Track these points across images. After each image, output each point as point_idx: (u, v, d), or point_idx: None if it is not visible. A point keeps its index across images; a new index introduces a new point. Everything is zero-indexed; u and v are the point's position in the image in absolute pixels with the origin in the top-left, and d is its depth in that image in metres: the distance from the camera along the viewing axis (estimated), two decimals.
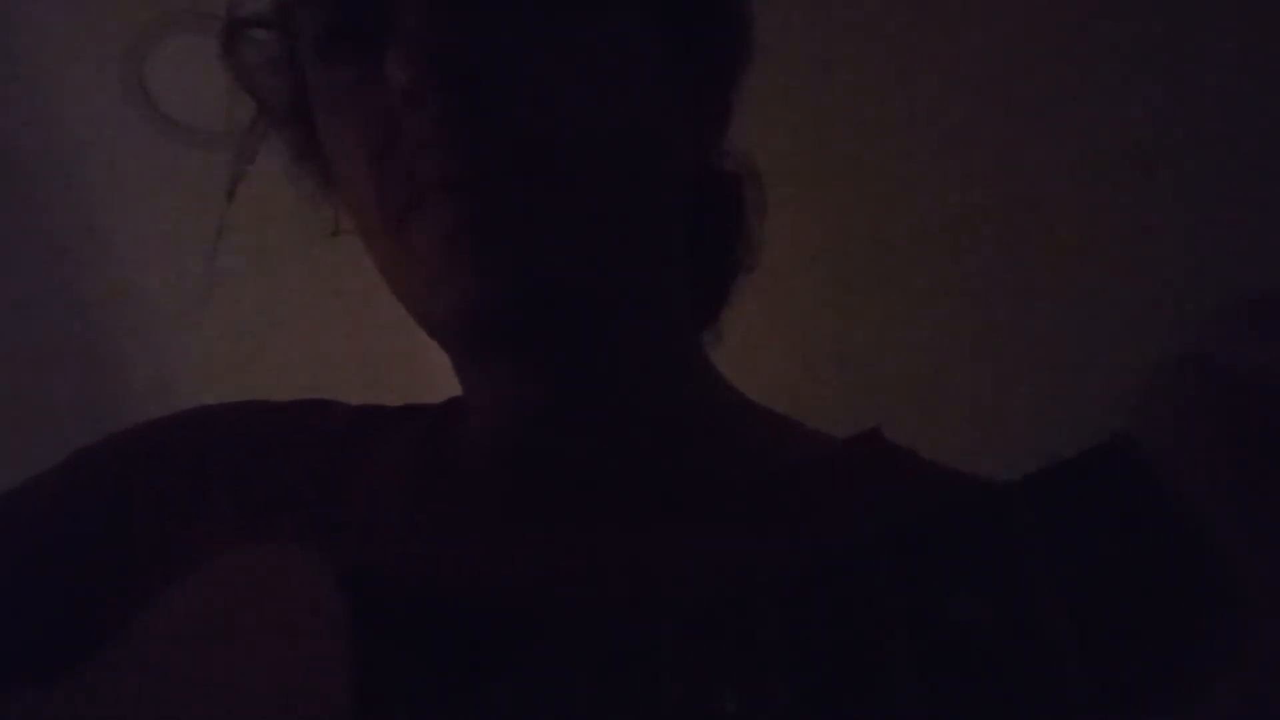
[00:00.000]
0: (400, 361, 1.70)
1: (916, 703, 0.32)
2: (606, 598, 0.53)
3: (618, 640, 0.39)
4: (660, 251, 0.62)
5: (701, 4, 0.63)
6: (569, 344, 0.59)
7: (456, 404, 0.67)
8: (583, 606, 0.52)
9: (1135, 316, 1.21)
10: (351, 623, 0.47)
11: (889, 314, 1.31)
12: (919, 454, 0.63)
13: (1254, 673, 0.29)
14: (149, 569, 0.59)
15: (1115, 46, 1.20)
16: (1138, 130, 1.20)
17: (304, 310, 1.70)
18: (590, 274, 0.57)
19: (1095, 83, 1.21)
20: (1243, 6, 1.15)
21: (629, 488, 0.60)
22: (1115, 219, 1.23)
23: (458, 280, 0.55)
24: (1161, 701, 0.30)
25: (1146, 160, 1.16)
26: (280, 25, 0.64)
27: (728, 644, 0.37)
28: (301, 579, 0.50)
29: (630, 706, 0.37)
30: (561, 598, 0.54)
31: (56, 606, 0.61)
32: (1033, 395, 1.24)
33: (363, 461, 0.65)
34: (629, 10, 0.60)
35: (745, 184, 0.69)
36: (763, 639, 0.36)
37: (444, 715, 0.43)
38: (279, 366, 1.69)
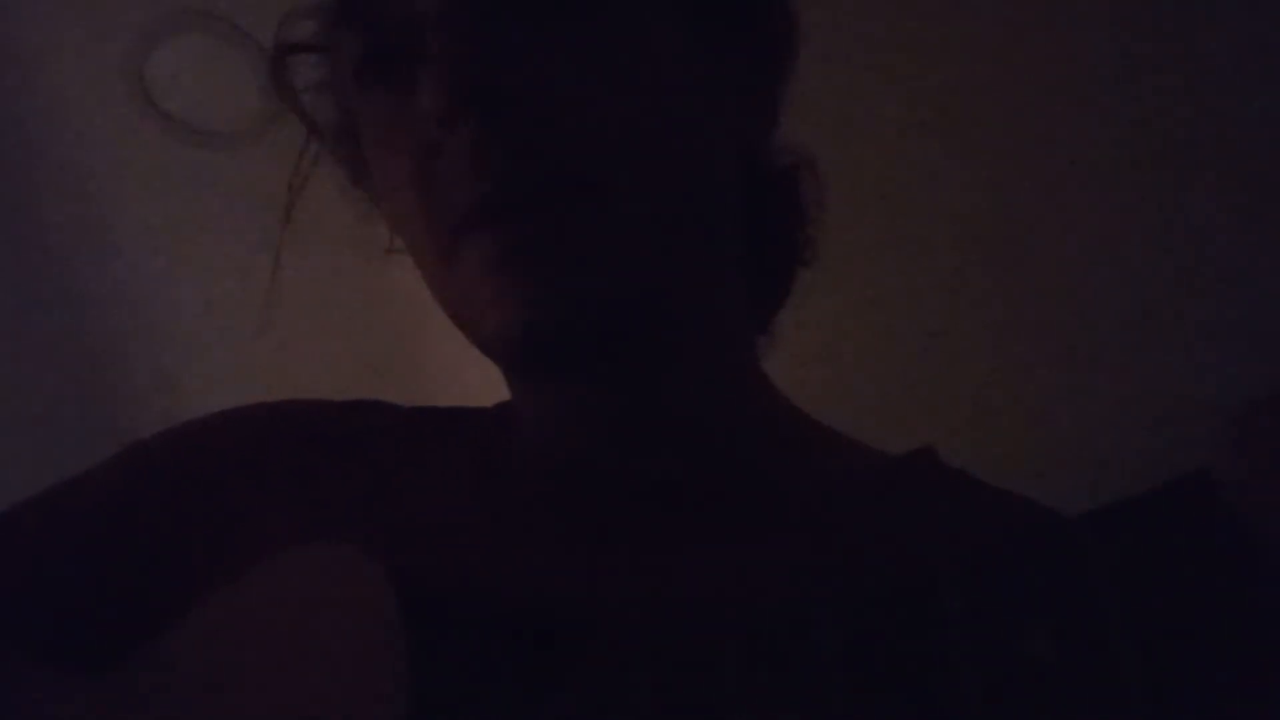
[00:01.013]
0: (403, 361, 1.70)
1: None
2: (667, 614, 0.52)
3: (679, 658, 0.39)
4: (715, 256, 0.61)
5: None
6: (627, 361, 0.58)
7: (509, 408, 0.66)
8: (642, 622, 0.52)
9: (1136, 315, 1.21)
10: (406, 628, 0.47)
11: (883, 315, 1.31)
12: (970, 473, 0.63)
13: None
14: (203, 565, 0.58)
15: (1121, 43, 1.19)
16: (1145, 132, 1.20)
17: (305, 310, 1.70)
18: (643, 288, 0.57)
19: (1104, 82, 1.21)
20: (1242, 6, 1.15)
21: (689, 502, 0.59)
22: (1118, 217, 1.23)
23: (507, 306, 0.54)
24: None
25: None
26: (324, 50, 0.64)
27: (790, 668, 0.36)
28: (357, 581, 0.50)
29: None
30: (620, 612, 0.54)
31: (110, 598, 0.60)
32: (1032, 396, 1.24)
33: (418, 465, 0.64)
34: (661, 11, 0.59)
35: (802, 178, 0.67)
36: (826, 665, 0.35)
37: None
38: (280, 366, 1.69)
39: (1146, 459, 1.06)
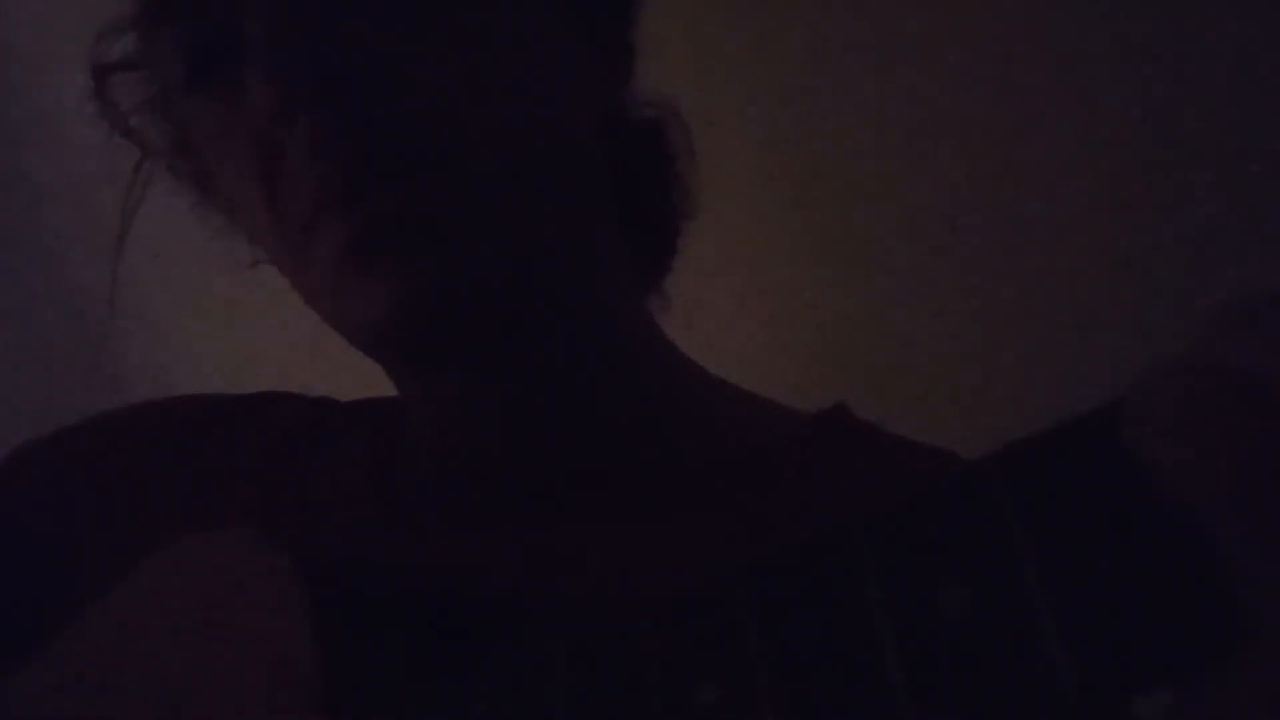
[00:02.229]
0: None
1: (903, 695, 0.32)
2: (578, 591, 0.51)
3: (593, 633, 0.38)
4: (583, 221, 0.58)
5: None
6: (504, 342, 0.56)
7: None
8: (552, 600, 0.51)
9: (1127, 304, 1.21)
10: (312, 611, 0.46)
11: (876, 304, 1.31)
12: (884, 429, 0.61)
13: (1254, 677, 0.29)
14: (98, 563, 0.57)
15: (1115, 40, 1.20)
16: (1137, 125, 1.20)
17: (305, 310, 1.70)
18: (511, 262, 0.54)
19: (1094, 75, 1.21)
20: (1243, 6, 1.15)
21: (590, 478, 0.57)
22: (1113, 211, 1.23)
23: (363, 297, 0.52)
24: (1144, 689, 0.30)
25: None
26: (145, 64, 0.62)
27: (706, 635, 0.36)
28: (258, 564, 0.48)
29: (607, 699, 0.37)
30: (529, 591, 0.53)
31: (2, 602, 0.59)
32: (1021, 384, 1.24)
33: (318, 455, 0.62)
34: None
35: (667, 128, 0.64)
36: (742, 629, 0.35)
37: (416, 708, 0.42)
38: (279, 366, 1.68)
39: None
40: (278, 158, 0.52)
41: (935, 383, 1.28)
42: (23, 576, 0.60)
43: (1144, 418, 0.31)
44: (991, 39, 1.24)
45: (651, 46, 0.63)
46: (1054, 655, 0.31)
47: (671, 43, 0.76)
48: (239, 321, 1.72)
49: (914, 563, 0.34)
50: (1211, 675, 0.29)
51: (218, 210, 0.65)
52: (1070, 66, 1.22)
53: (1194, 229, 1.20)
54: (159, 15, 0.57)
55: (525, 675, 0.39)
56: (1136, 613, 0.30)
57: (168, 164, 0.65)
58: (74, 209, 1.70)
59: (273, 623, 0.47)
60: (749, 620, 0.36)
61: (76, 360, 1.77)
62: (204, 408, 0.67)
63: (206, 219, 0.63)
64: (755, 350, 1.22)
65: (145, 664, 0.49)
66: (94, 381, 1.76)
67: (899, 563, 0.34)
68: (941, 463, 0.57)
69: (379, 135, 0.51)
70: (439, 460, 0.60)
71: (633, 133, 0.63)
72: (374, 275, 0.52)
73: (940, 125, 1.27)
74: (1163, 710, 0.30)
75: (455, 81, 0.52)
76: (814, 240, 1.29)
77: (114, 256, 0.66)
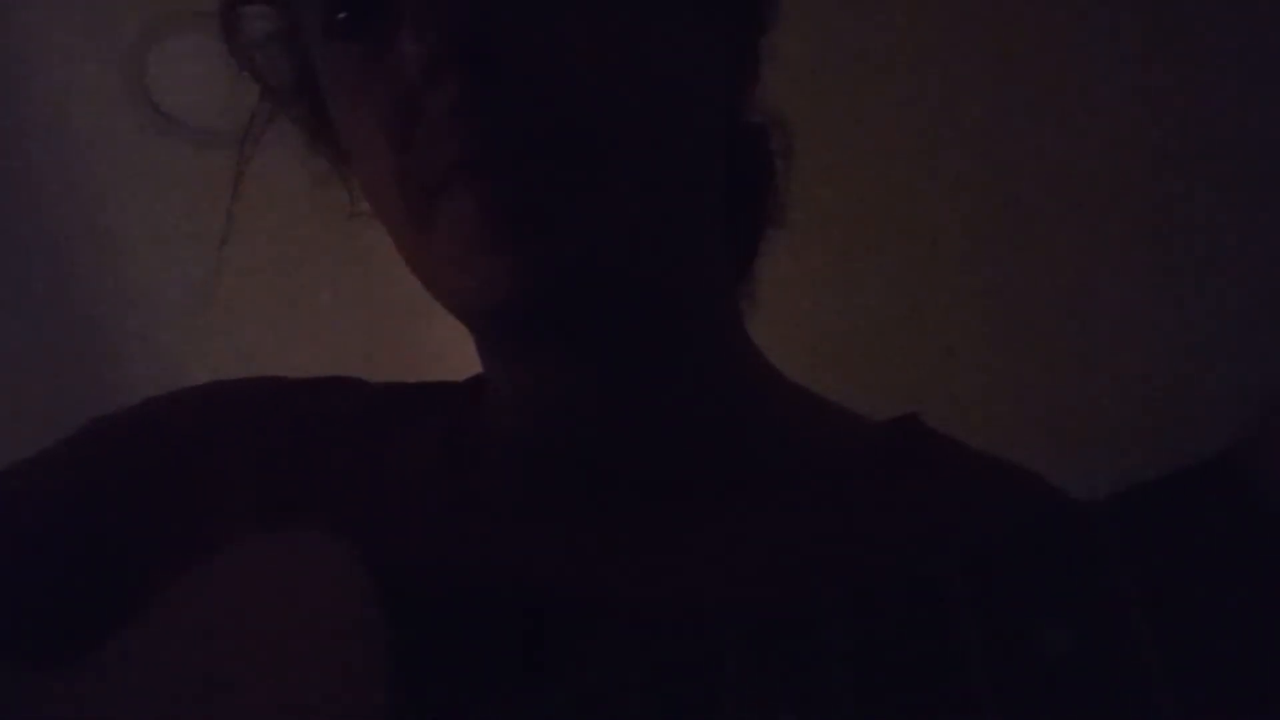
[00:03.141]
0: (403, 360, 1.70)
1: None
2: (657, 599, 0.50)
3: (673, 650, 0.37)
4: (701, 218, 0.58)
5: None
6: (613, 329, 0.55)
7: (482, 381, 0.63)
8: (632, 609, 0.49)
9: (1136, 303, 1.21)
10: (384, 614, 0.45)
11: (888, 302, 1.31)
12: (959, 440, 0.60)
13: None
14: (167, 550, 0.56)
15: (1126, 40, 1.20)
16: (1136, 125, 1.20)
17: (305, 310, 1.70)
18: (630, 252, 0.53)
19: (1106, 77, 1.21)
20: (1243, 6, 1.15)
21: (673, 479, 0.57)
22: (1128, 210, 1.23)
23: (486, 269, 0.51)
24: None
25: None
26: (281, 2, 0.60)
27: (790, 661, 0.35)
28: (330, 566, 0.48)
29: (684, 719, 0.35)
30: (608, 598, 0.51)
31: (68, 587, 0.57)
32: (1021, 384, 1.24)
33: (387, 444, 0.61)
34: None
35: (773, 135, 0.64)
36: (827, 659, 0.34)
37: (486, 715, 0.41)
38: (279, 365, 1.68)
39: (1161, 440, 1.06)
40: (415, 115, 0.51)
41: (935, 383, 1.28)
42: (92, 563, 0.58)
43: (1262, 461, 0.30)
44: (992, 43, 1.24)
45: None
46: (1160, 703, 0.29)
47: None
48: (239, 322, 1.72)
49: (1015, 602, 0.32)
50: None
51: (327, 157, 0.63)
52: (1070, 66, 1.22)
53: (1194, 229, 1.20)
54: None
55: (600, 690, 0.38)
56: (1249, 662, 0.29)
57: (283, 104, 0.63)
58: (75, 209, 1.70)
59: (341, 627, 0.46)
60: (837, 651, 0.34)
61: (76, 360, 1.77)
62: (276, 391, 0.66)
63: (315, 166, 0.61)
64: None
65: (212, 665, 0.48)
66: (94, 381, 1.76)
67: (998, 601, 0.32)
68: (1024, 482, 0.56)
69: (525, 105, 0.50)
70: (521, 445, 0.59)
71: (744, 137, 0.63)
72: (501, 250, 0.50)
73: (940, 126, 1.27)
74: None
75: (608, 64, 0.52)
76: (813, 240, 1.29)
77: (227, 219, 0.64)
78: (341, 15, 0.53)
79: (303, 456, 0.61)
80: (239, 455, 0.61)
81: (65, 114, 1.65)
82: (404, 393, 0.66)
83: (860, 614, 0.35)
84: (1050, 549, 0.32)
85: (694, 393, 0.58)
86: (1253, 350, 1.09)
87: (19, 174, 1.68)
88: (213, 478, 0.60)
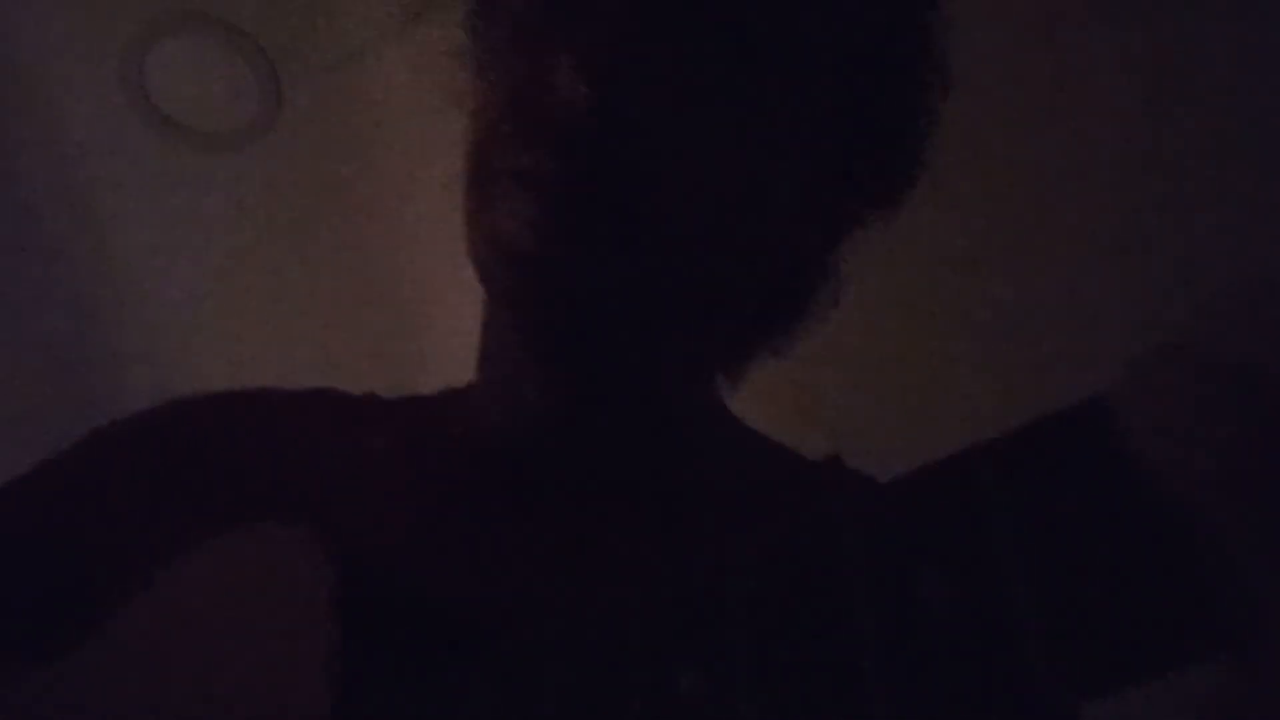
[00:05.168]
0: (400, 360, 1.70)
1: (880, 681, 0.32)
2: (587, 594, 0.53)
3: (584, 626, 0.40)
4: (719, 310, 0.62)
5: (885, 153, 0.63)
6: (604, 346, 0.59)
7: (453, 396, 0.67)
8: (564, 601, 0.52)
9: (1125, 304, 1.22)
10: (337, 611, 0.48)
11: (873, 305, 1.31)
12: (874, 478, 0.63)
13: (1251, 669, 0.29)
14: (147, 553, 0.58)
15: (1114, 42, 1.20)
16: (1133, 125, 1.20)
17: (304, 311, 1.70)
18: (642, 308, 0.57)
19: (1088, 78, 1.22)
20: (1243, 6, 1.15)
21: (612, 493, 0.61)
22: (1106, 209, 1.23)
23: (522, 259, 0.54)
24: (1124, 684, 0.30)
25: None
26: None
27: (690, 626, 0.37)
28: (297, 561, 0.50)
29: (593, 688, 0.38)
30: (543, 593, 0.55)
31: (58, 588, 0.60)
32: (1020, 384, 1.24)
33: (363, 451, 0.65)
34: (805, 140, 0.59)
35: (825, 279, 0.67)
36: (724, 619, 0.36)
37: (416, 707, 0.44)
38: (278, 367, 1.69)
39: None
40: (539, 117, 0.54)
41: (933, 384, 1.29)
42: (77, 563, 0.61)
43: (1133, 409, 0.31)
44: (992, 43, 1.25)
45: None
46: (1029, 647, 0.31)
47: None
48: (239, 322, 1.72)
49: (895, 550, 0.34)
50: (1195, 670, 0.29)
51: (460, 84, 0.64)
52: (1068, 67, 1.22)
53: (1194, 229, 1.20)
54: None
55: (517, 669, 0.41)
56: (1113, 605, 0.30)
57: (465, 19, 0.65)
58: (74, 209, 1.71)
59: (298, 620, 0.48)
60: (732, 610, 0.36)
61: (76, 360, 1.77)
62: (256, 403, 0.69)
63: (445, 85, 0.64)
64: None
65: (175, 655, 0.51)
66: (94, 381, 1.76)
67: (880, 550, 0.34)
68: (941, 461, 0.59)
69: (620, 180, 0.54)
70: (488, 444, 0.62)
71: (803, 274, 0.66)
72: (538, 252, 0.54)
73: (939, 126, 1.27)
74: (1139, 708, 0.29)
75: (702, 203, 0.55)
76: None
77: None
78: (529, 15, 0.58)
79: (280, 465, 0.64)
80: (221, 465, 0.63)
81: (63, 114, 1.65)
82: (380, 404, 0.70)
83: (755, 573, 0.37)
84: (933, 504, 0.34)
85: (653, 428, 0.62)
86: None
87: (17, 175, 1.68)
88: (194, 486, 0.63)
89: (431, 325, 1.61)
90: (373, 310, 1.68)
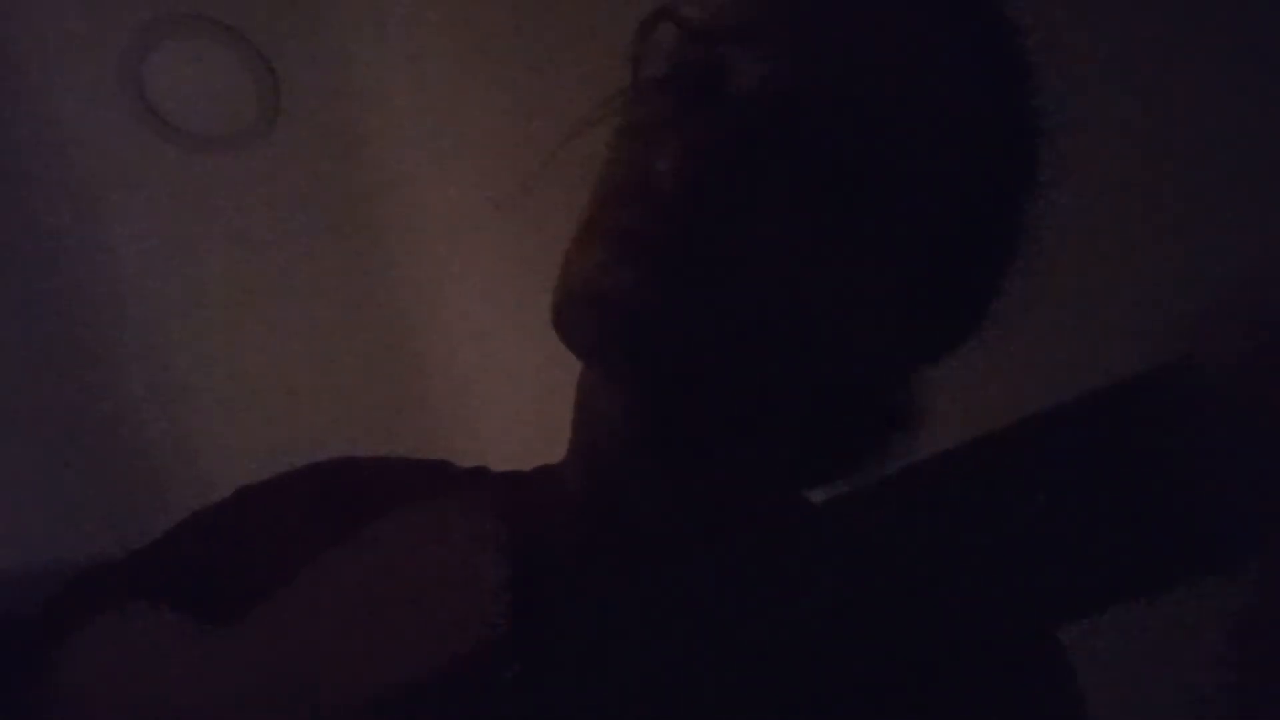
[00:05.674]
0: (398, 363, 1.70)
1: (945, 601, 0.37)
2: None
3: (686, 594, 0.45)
4: (787, 414, 0.63)
5: (953, 300, 0.64)
6: (677, 405, 0.60)
7: (552, 470, 0.69)
8: None
9: (1124, 310, 1.22)
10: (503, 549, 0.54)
11: None
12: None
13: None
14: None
15: (1111, 42, 1.20)
16: (1131, 127, 1.20)
17: (303, 311, 1.70)
18: (715, 385, 0.59)
19: (1092, 76, 1.22)
20: (1243, 6, 1.15)
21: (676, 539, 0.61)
22: (1107, 213, 1.23)
23: (598, 303, 0.57)
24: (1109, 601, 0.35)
25: None
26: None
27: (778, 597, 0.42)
28: (465, 518, 0.57)
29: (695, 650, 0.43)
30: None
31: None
32: (1019, 384, 1.24)
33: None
34: (878, 270, 0.60)
35: (898, 422, 0.67)
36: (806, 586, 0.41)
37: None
38: (278, 368, 1.69)
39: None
40: (635, 184, 0.59)
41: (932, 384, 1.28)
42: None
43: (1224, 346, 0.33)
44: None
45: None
46: (1047, 560, 0.37)
47: None
48: (239, 322, 1.72)
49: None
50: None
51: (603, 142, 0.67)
52: (1068, 66, 1.22)
53: (1193, 229, 1.20)
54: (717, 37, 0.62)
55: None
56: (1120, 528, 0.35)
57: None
58: (74, 210, 1.71)
59: (475, 560, 0.55)
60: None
61: (76, 360, 1.77)
62: (366, 471, 0.71)
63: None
64: None
65: (372, 596, 0.57)
66: (94, 381, 1.76)
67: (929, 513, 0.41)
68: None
69: (699, 251, 0.57)
70: (592, 519, 0.64)
71: (870, 401, 0.66)
72: (598, 302, 0.57)
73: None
74: None
75: (760, 283, 0.58)
76: None
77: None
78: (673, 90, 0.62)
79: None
80: (327, 530, 0.66)
81: (63, 116, 1.65)
82: (489, 477, 0.71)
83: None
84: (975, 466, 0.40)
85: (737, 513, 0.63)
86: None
87: (18, 175, 1.68)
88: (307, 550, 0.65)
89: (431, 325, 1.60)
90: (372, 310, 1.68)
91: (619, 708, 0.44)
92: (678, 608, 0.45)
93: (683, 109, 0.60)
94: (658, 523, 0.62)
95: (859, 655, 0.39)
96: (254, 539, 0.67)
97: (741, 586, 0.44)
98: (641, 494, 0.63)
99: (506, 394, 1.53)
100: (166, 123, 1.63)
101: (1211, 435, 0.33)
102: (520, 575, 0.54)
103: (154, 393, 1.75)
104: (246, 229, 1.66)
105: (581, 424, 0.65)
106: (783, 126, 0.58)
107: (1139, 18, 1.18)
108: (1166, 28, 1.19)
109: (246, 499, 0.71)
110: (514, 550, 0.55)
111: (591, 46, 0.67)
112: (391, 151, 1.59)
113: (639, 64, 0.65)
